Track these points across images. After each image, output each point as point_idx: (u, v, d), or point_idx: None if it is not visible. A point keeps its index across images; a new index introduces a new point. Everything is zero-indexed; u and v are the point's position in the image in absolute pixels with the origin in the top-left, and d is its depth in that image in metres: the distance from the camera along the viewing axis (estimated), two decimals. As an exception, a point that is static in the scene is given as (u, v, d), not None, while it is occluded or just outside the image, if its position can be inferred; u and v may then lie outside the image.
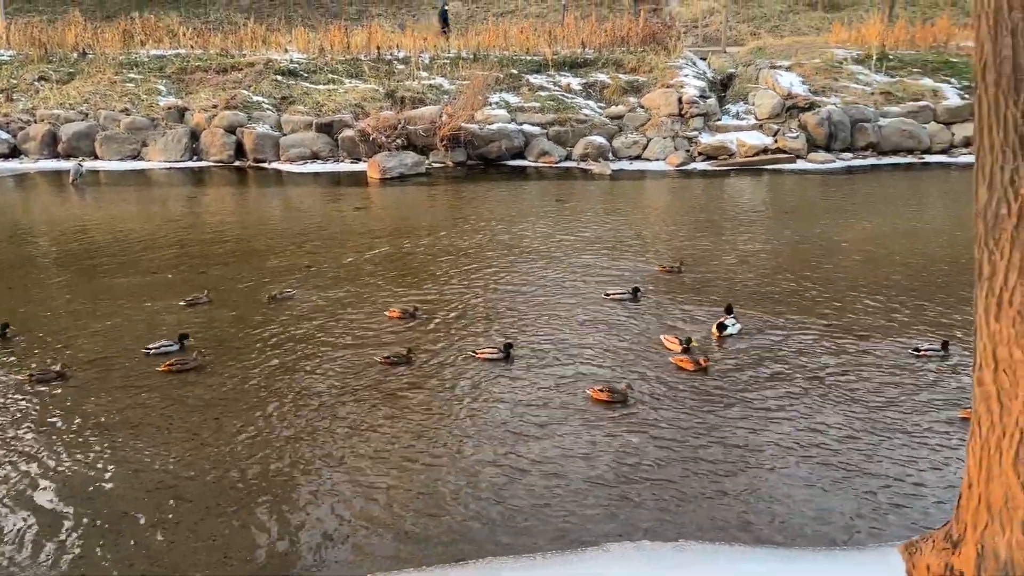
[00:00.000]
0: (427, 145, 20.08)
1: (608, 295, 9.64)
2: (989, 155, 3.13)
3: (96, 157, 20.27)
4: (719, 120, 21.23)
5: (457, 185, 18.07)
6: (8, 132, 20.72)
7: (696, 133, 20.63)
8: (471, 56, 24.10)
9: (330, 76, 22.89)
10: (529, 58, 23.99)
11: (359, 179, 18.63)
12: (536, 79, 22.84)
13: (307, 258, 11.62)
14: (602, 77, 22.88)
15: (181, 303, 9.47)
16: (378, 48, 24.33)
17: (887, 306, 9.35)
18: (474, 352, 7.96)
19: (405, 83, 22.35)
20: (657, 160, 20.24)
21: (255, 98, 21.42)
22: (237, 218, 14.88)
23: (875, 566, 4.80)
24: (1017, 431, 3.07)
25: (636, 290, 9.64)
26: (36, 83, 22.46)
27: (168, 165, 20.00)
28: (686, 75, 22.22)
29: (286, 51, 24.77)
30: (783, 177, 18.51)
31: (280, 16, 32.11)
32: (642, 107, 21.50)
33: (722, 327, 8.48)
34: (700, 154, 20.23)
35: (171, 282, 10.47)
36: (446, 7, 30.22)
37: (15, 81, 22.49)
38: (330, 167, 19.86)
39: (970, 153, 20.53)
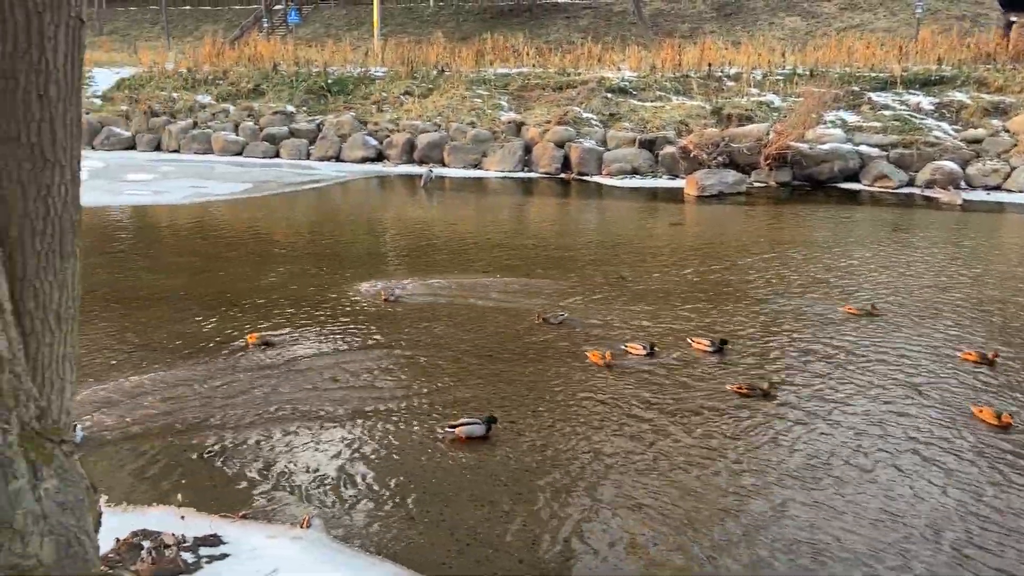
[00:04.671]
0: (750, 164, 19.50)
1: None
2: None
3: (444, 164, 22.56)
4: (1110, 148, 17.96)
5: (779, 206, 17.30)
6: (376, 139, 23.84)
7: (1077, 163, 17.64)
8: (807, 72, 22.96)
9: (658, 93, 23.21)
10: (873, 75, 22.28)
11: (676, 195, 18.63)
12: (880, 97, 21.13)
13: (621, 269, 11.87)
14: (959, 96, 20.51)
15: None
16: (709, 65, 24.17)
17: None
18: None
19: (733, 100, 21.94)
20: (1021, 192, 17.64)
21: (585, 115, 22.39)
22: (559, 227, 15.68)
23: None
24: None
25: None
26: (401, 97, 25.61)
27: (502, 174, 21.64)
28: (1069, 95, 19.12)
29: (619, 69, 25.59)
30: None
31: (615, 35, 33.26)
32: (1007, 131, 18.89)
33: None
34: (1081, 188, 17.26)
35: (497, 281, 11.29)
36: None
37: (385, 94, 25.84)
38: (648, 182, 20.11)
39: None
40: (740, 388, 7.41)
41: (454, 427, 6.58)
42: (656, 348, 8.35)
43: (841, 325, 9.26)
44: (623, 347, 8.44)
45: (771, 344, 8.74)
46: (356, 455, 6.38)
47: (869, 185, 18.85)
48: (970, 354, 8.10)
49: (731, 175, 18.87)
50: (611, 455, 6.33)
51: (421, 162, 22.61)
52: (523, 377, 7.89)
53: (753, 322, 9.43)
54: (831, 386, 7.60)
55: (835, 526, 5.36)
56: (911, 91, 21.37)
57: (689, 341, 8.59)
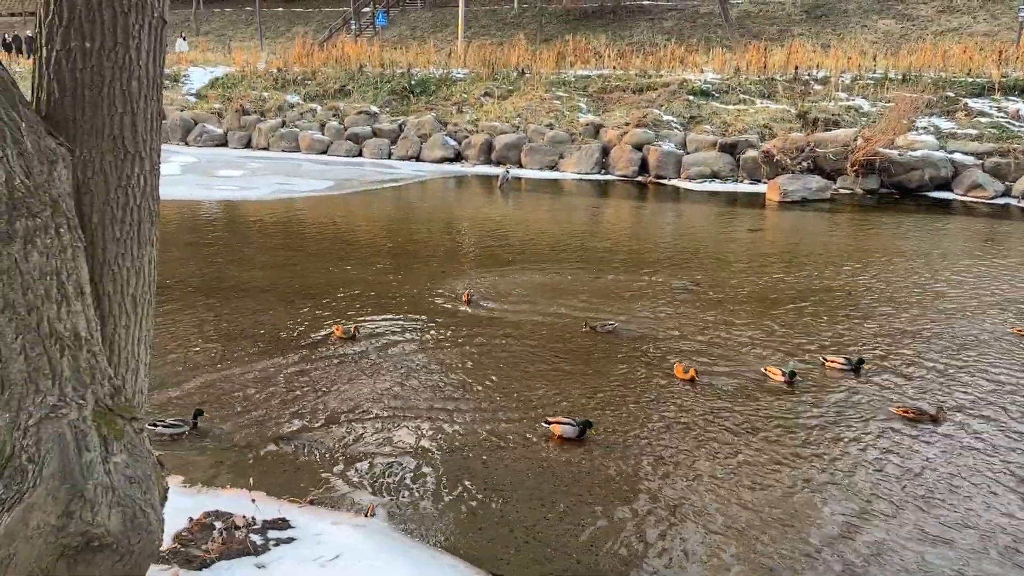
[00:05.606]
0: (835, 169, 18.91)
1: None
2: None
3: (520, 165, 22.63)
4: None
5: (865, 214, 16.73)
6: (455, 140, 24.12)
7: None
8: (899, 76, 22.13)
9: (741, 96, 22.75)
10: (971, 80, 21.32)
11: (756, 201, 18.22)
12: (976, 103, 20.20)
13: (695, 275, 11.69)
14: (1065, 103, 19.44)
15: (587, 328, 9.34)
16: (796, 67, 23.55)
17: None
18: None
19: (820, 104, 21.32)
20: None
21: (665, 117, 22.12)
22: (633, 229, 15.55)
23: None
24: None
25: None
26: (482, 98, 25.82)
27: (578, 176, 21.57)
28: None
29: (701, 71, 25.17)
30: None
31: (699, 37, 32.75)
32: (1117, 139, 17.80)
33: None
34: None
35: (570, 283, 11.29)
36: None
37: (465, 96, 26.11)
38: (728, 187, 19.71)
39: None
40: (906, 412, 6.85)
41: (550, 422, 6.64)
42: (798, 376, 7.66)
43: (1013, 347, 8.66)
44: (762, 371, 7.90)
45: (912, 365, 8.20)
46: (423, 449, 6.49)
47: (962, 195, 18.03)
48: None
49: (815, 181, 18.33)
50: (701, 468, 6.26)
51: (498, 163, 22.75)
52: (598, 381, 7.86)
53: (881, 340, 9.03)
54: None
55: None
56: (1010, 98, 20.36)
57: (821, 360, 8.11)
